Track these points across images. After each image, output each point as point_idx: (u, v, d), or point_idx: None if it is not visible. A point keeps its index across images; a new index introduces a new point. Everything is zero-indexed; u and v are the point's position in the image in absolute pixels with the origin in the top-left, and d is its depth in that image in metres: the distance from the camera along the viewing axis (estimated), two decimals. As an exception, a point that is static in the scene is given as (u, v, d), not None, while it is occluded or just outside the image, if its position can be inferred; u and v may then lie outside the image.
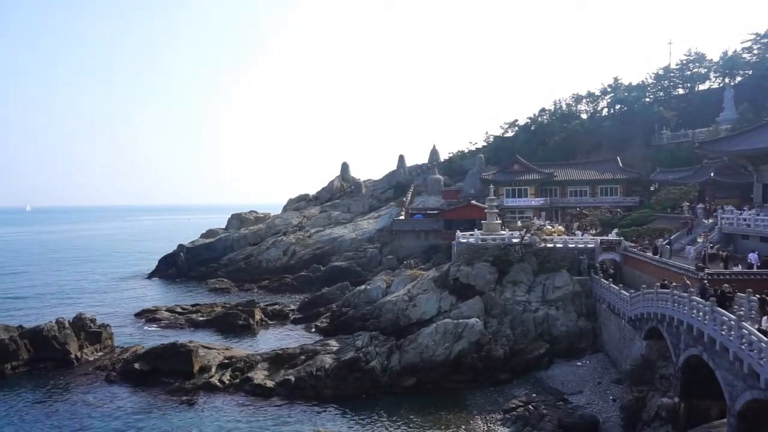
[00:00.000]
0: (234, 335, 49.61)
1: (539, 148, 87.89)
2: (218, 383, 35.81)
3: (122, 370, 38.77)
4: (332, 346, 39.62)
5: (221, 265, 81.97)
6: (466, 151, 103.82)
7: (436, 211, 75.77)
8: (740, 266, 29.81)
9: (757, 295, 22.08)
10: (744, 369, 17.96)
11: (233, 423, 30.61)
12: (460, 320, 38.60)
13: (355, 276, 66.38)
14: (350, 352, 37.32)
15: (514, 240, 45.39)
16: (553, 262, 43.65)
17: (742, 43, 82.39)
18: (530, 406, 29.44)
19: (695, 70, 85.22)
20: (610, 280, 38.35)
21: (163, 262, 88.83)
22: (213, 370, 37.65)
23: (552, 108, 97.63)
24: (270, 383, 35.05)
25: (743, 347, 17.99)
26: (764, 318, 19.56)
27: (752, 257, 30.16)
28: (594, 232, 51.88)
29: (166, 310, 58.51)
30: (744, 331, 18.14)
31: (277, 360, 38.36)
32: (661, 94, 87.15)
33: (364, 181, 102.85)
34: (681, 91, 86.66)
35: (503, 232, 48.97)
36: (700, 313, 21.61)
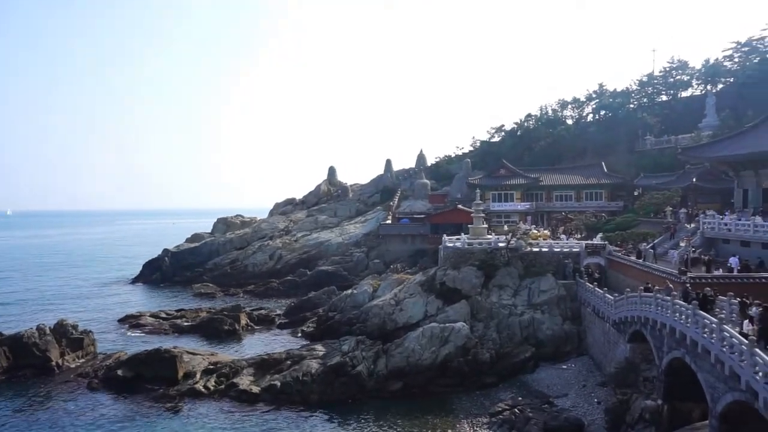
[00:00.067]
0: (219, 341, 49.15)
1: (525, 153, 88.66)
2: (203, 389, 35.43)
3: (105, 377, 38.14)
4: (318, 350, 39.44)
5: (206, 269, 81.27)
6: (453, 155, 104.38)
7: (422, 216, 76.02)
8: (721, 270, 30.26)
9: (738, 299, 22.44)
10: (725, 371, 18.22)
11: (218, 429, 30.28)
12: (447, 324, 38.67)
13: (341, 280, 66.22)
14: (336, 356, 37.18)
15: (501, 244, 45.65)
16: (539, 266, 43.95)
17: (723, 51, 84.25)
18: (516, 410, 29.57)
19: (678, 77, 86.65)
20: (595, 283, 38.66)
21: (148, 267, 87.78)
22: (198, 376, 37.22)
23: (538, 113, 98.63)
24: (255, 389, 34.77)
25: (724, 350, 18.26)
26: (745, 321, 19.87)
27: (732, 261, 30.64)
28: (579, 236, 52.32)
29: (150, 316, 57.79)
30: (725, 333, 18.42)
31: (263, 365, 38.07)
32: (645, 100, 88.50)
33: (351, 186, 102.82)
34: (664, 98, 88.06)
35: (489, 236, 49.23)
36: (683, 317, 21.90)
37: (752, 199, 40.89)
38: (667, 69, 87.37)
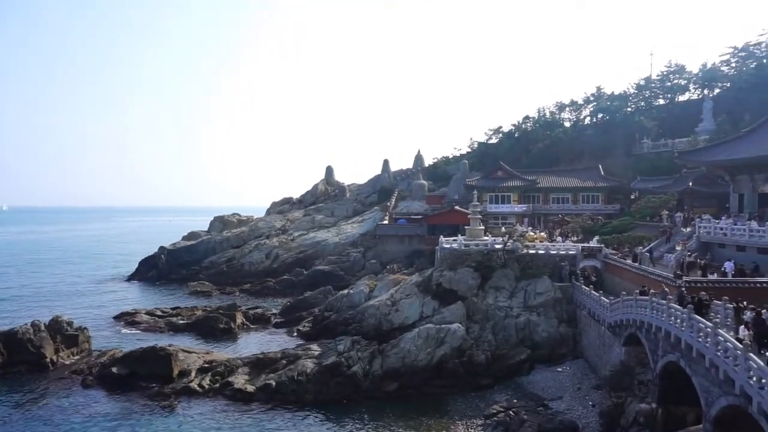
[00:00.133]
0: (215, 339, 49.08)
1: (523, 155, 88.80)
2: (198, 388, 35.38)
3: (99, 375, 38.04)
4: (314, 350, 39.41)
5: (203, 267, 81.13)
6: (451, 156, 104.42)
7: (420, 216, 76.02)
8: (716, 274, 30.35)
9: (733, 303, 22.52)
10: (720, 375, 18.29)
11: (213, 428, 30.24)
12: (443, 325, 38.71)
13: (338, 280, 66.18)
14: (332, 356, 37.17)
15: (497, 246, 45.72)
16: (535, 268, 44.02)
17: (720, 56, 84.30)
18: (511, 412, 29.55)
19: (675, 81, 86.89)
20: (591, 286, 38.77)
21: (144, 265, 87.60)
22: (193, 374, 37.17)
23: (536, 115, 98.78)
24: (250, 388, 34.74)
25: (719, 354, 18.33)
26: (741, 327, 19.92)
27: (728, 266, 30.65)
28: (575, 239, 52.49)
29: (145, 314, 57.64)
30: (720, 338, 18.50)
31: (258, 364, 38.03)
32: (643, 104, 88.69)
33: (349, 185, 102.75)
34: (661, 102, 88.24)
35: (486, 237, 49.29)
36: (678, 320, 21.97)
37: (748, 204, 40.97)
38: (665, 73, 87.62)
